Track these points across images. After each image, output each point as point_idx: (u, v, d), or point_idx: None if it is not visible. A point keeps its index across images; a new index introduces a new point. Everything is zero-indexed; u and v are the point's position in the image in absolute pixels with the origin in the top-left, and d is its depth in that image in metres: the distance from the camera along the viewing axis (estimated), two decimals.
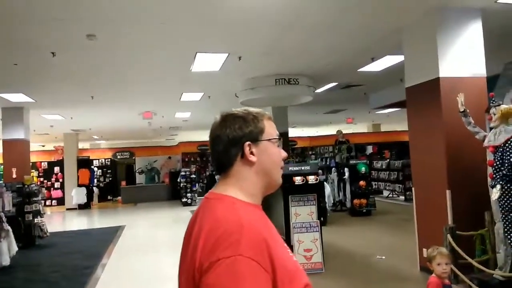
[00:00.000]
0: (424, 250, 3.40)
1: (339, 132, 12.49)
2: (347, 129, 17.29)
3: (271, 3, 4.01)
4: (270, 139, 1.06)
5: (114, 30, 4.56)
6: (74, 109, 9.90)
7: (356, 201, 9.62)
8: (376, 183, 13.53)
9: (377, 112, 13.32)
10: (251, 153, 1.03)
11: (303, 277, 0.96)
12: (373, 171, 13.39)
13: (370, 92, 9.87)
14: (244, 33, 4.96)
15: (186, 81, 7.49)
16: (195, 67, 6.33)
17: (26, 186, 7.70)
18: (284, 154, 1.10)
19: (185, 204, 14.56)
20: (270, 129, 1.08)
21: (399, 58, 6.01)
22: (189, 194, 14.82)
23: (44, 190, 9.68)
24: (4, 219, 6.06)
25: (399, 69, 6.14)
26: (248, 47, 5.57)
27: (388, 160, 13.46)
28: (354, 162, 10.22)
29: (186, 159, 19.72)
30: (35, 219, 7.82)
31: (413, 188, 4.78)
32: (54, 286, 5.14)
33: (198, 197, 15.13)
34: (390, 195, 12.80)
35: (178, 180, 15.72)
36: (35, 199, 7.75)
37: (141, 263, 6.19)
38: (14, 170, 9.07)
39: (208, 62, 6.14)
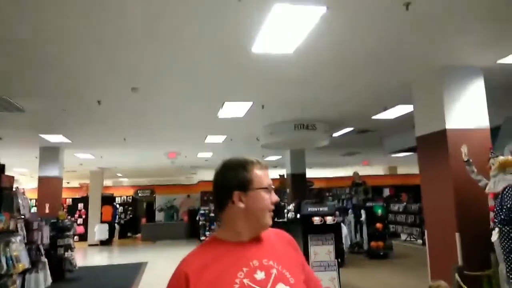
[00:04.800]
0: None
1: (355, 173, 12.74)
2: (363, 171, 17.54)
3: (290, 64, 4.60)
4: (258, 188, 1.22)
5: (155, 83, 5.22)
6: (105, 149, 10.61)
7: (373, 243, 9.75)
8: (394, 226, 13.56)
9: (392, 156, 13.63)
10: (240, 200, 1.20)
11: None
12: (390, 214, 13.47)
13: (385, 137, 10.28)
14: (267, 87, 5.56)
15: (212, 126, 8.09)
16: (222, 113, 6.93)
17: (60, 221, 8.23)
18: (274, 199, 1.24)
19: None
20: (260, 178, 1.23)
21: (410, 108, 6.47)
22: (207, 233, 15.08)
23: (75, 225, 10.16)
24: (42, 251, 6.53)
25: (411, 117, 6.59)
26: (270, 98, 6.16)
27: (405, 203, 13.57)
28: (371, 204, 10.44)
29: (205, 198, 20.12)
30: (66, 253, 8.27)
31: (425, 231, 5.07)
32: None
33: None
34: (408, 238, 12.80)
35: (197, 218, 16.04)
36: (67, 233, 8.25)
37: None
38: (47, 205, 9.68)
39: (234, 109, 6.74)
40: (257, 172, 1.24)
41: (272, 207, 1.24)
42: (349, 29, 3.77)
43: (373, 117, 7.60)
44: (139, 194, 20.94)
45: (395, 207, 13.81)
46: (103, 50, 4.07)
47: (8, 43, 3.83)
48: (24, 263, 4.08)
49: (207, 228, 15.15)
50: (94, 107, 6.04)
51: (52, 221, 8.04)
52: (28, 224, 6.00)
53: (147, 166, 14.89)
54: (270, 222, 1.24)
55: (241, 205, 1.21)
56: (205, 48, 4.12)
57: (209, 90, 5.63)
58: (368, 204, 10.46)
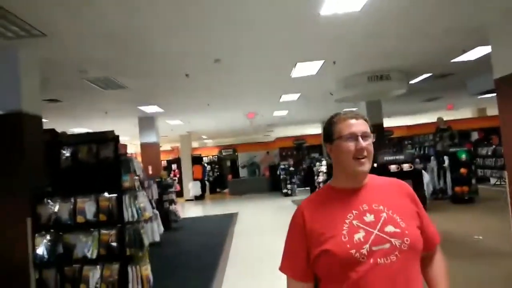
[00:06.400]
0: None
1: (439, 119, 12.25)
2: (448, 115, 16.67)
3: (358, 19, 4.77)
4: (338, 138, 1.34)
5: (236, 54, 5.78)
6: (192, 115, 11.71)
7: (457, 188, 9.67)
8: (482, 170, 13.02)
9: (480, 97, 12.78)
10: (330, 150, 1.38)
11: (327, 244, 1.23)
12: (478, 158, 12.92)
13: (468, 79, 9.76)
14: (337, 44, 5.77)
15: (286, 85, 8.53)
16: (295, 73, 7.31)
17: (163, 179, 9.58)
18: (358, 146, 1.30)
19: (286, 194, 15.76)
20: (341, 128, 1.34)
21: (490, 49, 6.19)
22: (289, 186, 15.98)
23: (176, 183, 11.62)
24: (154, 205, 7.81)
25: None
26: (341, 54, 6.35)
27: (494, 146, 12.85)
28: (454, 149, 10.20)
29: (283, 153, 20.99)
30: (170, 207, 9.67)
31: (505, 172, 5.09)
32: (196, 257, 6.62)
33: (297, 188, 16.23)
34: (497, 182, 12.27)
35: (278, 172, 16.99)
36: (170, 190, 9.59)
37: (257, 241, 7.44)
38: (150, 167, 11.18)
39: (307, 68, 7.06)
40: (340, 123, 1.35)
41: (357, 154, 1.29)
42: None
43: (452, 61, 7.35)
44: (223, 153, 22.53)
45: (483, 150, 13.17)
46: (190, 33, 4.70)
47: (111, 35, 4.63)
48: (149, 212, 5.10)
49: (288, 182, 16.03)
50: (183, 80, 6.86)
51: (156, 180, 9.39)
52: (141, 183, 7.21)
53: (229, 127, 15.94)
54: (359, 168, 1.30)
55: (332, 155, 1.38)
56: (276, 18, 4.51)
57: (282, 54, 6.03)
58: (452, 149, 10.24)
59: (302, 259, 1.29)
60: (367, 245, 1.20)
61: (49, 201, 4.43)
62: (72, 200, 4.37)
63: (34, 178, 4.58)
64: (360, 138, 1.31)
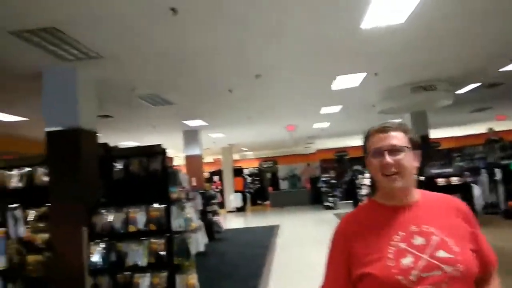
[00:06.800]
0: None
1: (490, 130, 11.73)
2: (500, 126, 15.77)
3: (402, 31, 4.74)
4: (367, 154, 1.28)
5: (276, 69, 5.92)
6: (233, 127, 11.98)
7: (510, 203, 9.12)
8: None
9: None
10: (367, 164, 1.31)
11: (370, 267, 1.15)
12: None
13: None
14: (379, 56, 5.75)
15: (325, 98, 8.53)
16: (335, 86, 7.32)
17: (206, 191, 9.84)
18: (383, 162, 1.22)
19: (327, 207, 15.55)
20: (371, 143, 1.28)
21: None
22: (330, 198, 15.77)
23: (219, 195, 11.88)
24: (198, 216, 8.04)
25: None
26: (384, 65, 6.30)
27: None
28: (506, 162, 9.67)
29: (324, 166, 20.78)
30: (213, 218, 9.88)
31: None
32: (239, 267, 6.72)
33: (339, 201, 15.98)
34: None
35: (319, 185, 16.84)
36: (213, 201, 9.83)
37: (297, 253, 7.43)
38: (194, 179, 11.51)
39: (347, 81, 7.05)
40: (371, 137, 1.29)
41: (384, 170, 1.22)
42: None
43: (500, 70, 7.05)
44: (263, 166, 22.67)
45: None
46: (233, 52, 4.90)
47: (160, 56, 4.93)
48: (195, 223, 5.30)
49: (330, 195, 15.82)
50: (226, 95, 7.09)
51: (200, 191, 9.66)
52: (187, 195, 7.48)
53: (269, 139, 16.09)
54: (389, 185, 1.22)
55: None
56: (317, 34, 4.60)
57: (322, 68, 6.08)
58: (504, 161, 9.71)
59: (344, 280, 1.22)
60: (416, 272, 1.10)
61: (103, 211, 4.74)
62: (125, 210, 4.65)
63: (90, 189, 4.92)
64: (386, 154, 1.22)
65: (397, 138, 1.24)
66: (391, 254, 1.14)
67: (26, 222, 5.01)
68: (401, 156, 1.22)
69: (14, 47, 4.16)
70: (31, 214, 5.23)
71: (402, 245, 1.15)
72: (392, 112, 9.14)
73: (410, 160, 1.23)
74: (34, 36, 3.95)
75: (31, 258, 4.93)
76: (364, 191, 10.60)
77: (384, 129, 1.27)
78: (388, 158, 1.21)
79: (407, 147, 1.24)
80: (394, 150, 1.22)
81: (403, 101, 7.96)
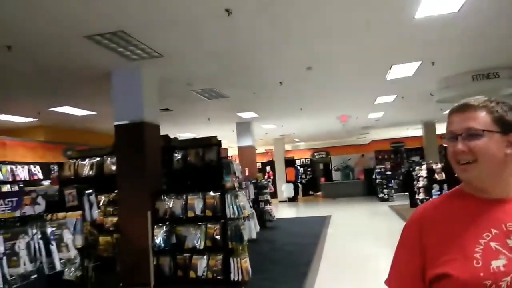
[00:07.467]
0: None
1: None
2: None
3: (457, 20, 4.58)
4: (445, 138, 1.07)
5: (328, 61, 5.98)
6: (285, 119, 12.13)
7: None
8: None
9: None
10: None
11: (451, 267, 0.95)
12: None
13: None
14: (435, 44, 5.58)
15: (381, 87, 8.38)
16: (390, 75, 7.18)
17: (259, 181, 10.14)
18: (454, 148, 1.01)
19: (382, 199, 15.22)
20: (448, 125, 1.05)
21: None
22: (385, 190, 15.41)
23: (270, 184, 12.17)
24: (251, 204, 8.36)
25: None
26: (441, 54, 6.09)
27: None
28: None
29: (380, 157, 20.25)
30: (265, 207, 10.17)
31: None
32: (290, 254, 6.92)
33: (394, 193, 15.57)
34: None
35: (373, 176, 16.49)
36: (265, 191, 10.11)
37: (349, 244, 7.46)
38: (246, 169, 11.88)
39: (403, 70, 6.90)
40: (449, 118, 1.06)
41: (456, 158, 1.01)
42: None
43: None
44: (316, 156, 22.59)
45: None
46: (285, 46, 5.06)
47: (216, 53, 5.22)
48: (247, 210, 5.59)
49: (385, 186, 15.45)
50: (277, 87, 7.26)
51: (253, 181, 9.98)
52: (240, 184, 7.81)
53: (321, 130, 16.02)
54: (462, 175, 1.02)
55: None
56: (370, 25, 4.60)
57: (376, 58, 6.03)
58: None
59: (413, 278, 1.03)
60: (509, 278, 0.91)
61: (165, 197, 5.17)
62: (184, 197, 5.04)
63: (153, 177, 5.38)
64: (459, 138, 1.00)
65: (477, 120, 0.99)
66: (479, 254, 0.95)
67: (98, 207, 5.60)
68: (479, 141, 0.98)
69: (87, 49, 4.66)
70: (102, 200, 5.84)
71: (494, 245, 0.95)
72: (451, 101, 8.75)
73: (493, 147, 0.98)
74: (104, 39, 4.40)
75: (102, 239, 5.52)
76: (421, 183, 10.29)
77: (462, 108, 1.03)
78: (461, 145, 0.99)
79: (490, 130, 0.98)
80: (470, 134, 0.99)
81: (464, 90, 7.60)
